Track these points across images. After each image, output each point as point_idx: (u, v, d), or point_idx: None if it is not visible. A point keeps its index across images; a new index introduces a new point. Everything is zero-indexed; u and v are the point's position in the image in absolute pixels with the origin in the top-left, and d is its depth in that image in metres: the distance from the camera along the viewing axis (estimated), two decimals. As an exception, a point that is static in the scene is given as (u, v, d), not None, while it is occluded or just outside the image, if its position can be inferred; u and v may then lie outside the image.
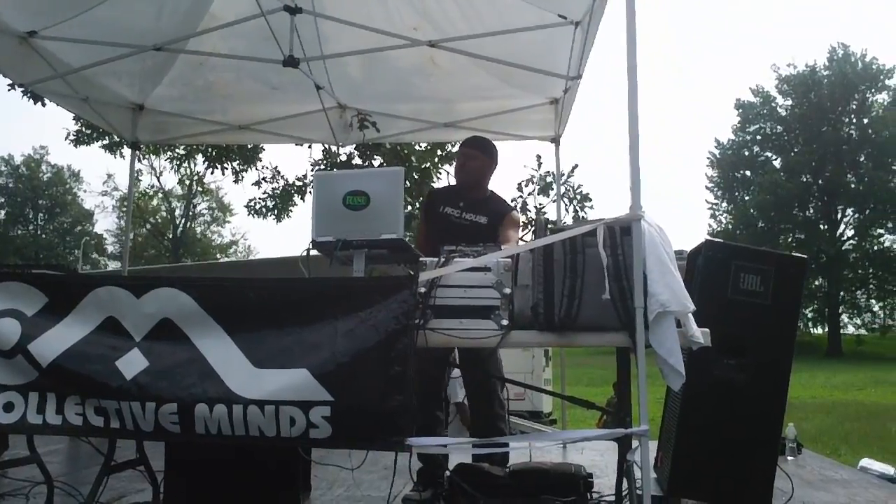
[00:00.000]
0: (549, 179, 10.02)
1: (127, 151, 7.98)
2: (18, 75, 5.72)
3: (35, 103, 10.29)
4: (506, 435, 4.36)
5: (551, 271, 3.08)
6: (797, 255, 4.31)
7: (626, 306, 3.00)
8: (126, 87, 6.35)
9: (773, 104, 51.25)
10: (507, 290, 3.09)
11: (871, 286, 49.26)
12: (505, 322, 3.06)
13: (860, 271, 49.02)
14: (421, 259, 3.25)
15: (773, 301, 3.99)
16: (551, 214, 9.83)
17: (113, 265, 51.11)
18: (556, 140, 6.70)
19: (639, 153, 3.08)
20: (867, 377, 26.43)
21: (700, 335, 3.02)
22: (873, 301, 50.04)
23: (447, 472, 3.63)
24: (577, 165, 10.96)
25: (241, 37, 5.68)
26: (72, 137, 13.07)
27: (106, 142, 12.89)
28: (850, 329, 50.55)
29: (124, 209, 46.04)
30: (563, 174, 9.05)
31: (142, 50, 5.47)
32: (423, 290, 3.04)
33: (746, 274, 4.00)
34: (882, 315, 50.88)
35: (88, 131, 12.75)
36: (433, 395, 4.17)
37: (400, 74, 6.25)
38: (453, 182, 4.56)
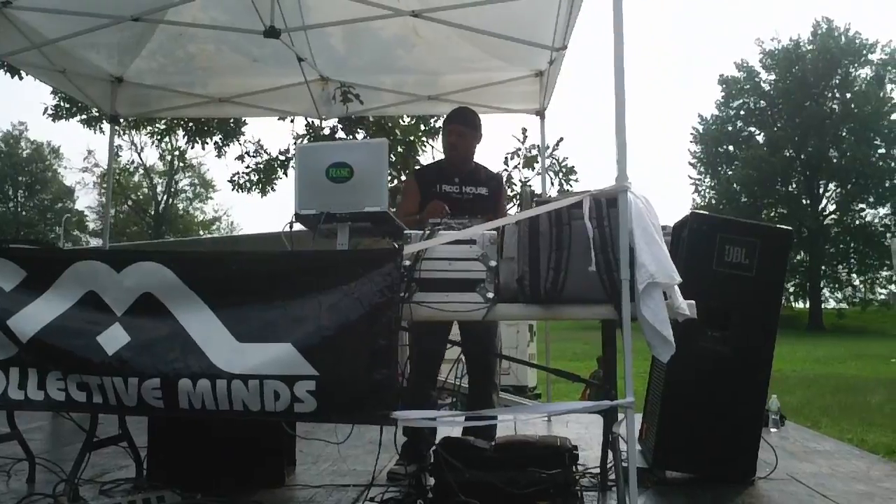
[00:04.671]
0: (534, 153, 9.95)
1: (107, 127, 7.86)
2: (-7, 46, 5.59)
3: (12, 76, 10.13)
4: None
5: (537, 244, 3.07)
6: (782, 227, 4.33)
7: (613, 278, 2.99)
8: (104, 59, 6.23)
9: (756, 79, 51.26)
10: (493, 263, 3.08)
11: (853, 260, 49.61)
12: (490, 295, 3.05)
13: (841, 246, 49.33)
14: (406, 232, 3.22)
15: (758, 273, 4.00)
16: (536, 188, 9.78)
17: (94, 242, 50.79)
18: (540, 113, 6.66)
19: (625, 124, 3.05)
20: (848, 350, 26.70)
21: (686, 307, 3.02)
22: (854, 275, 50.41)
23: (434, 447, 3.61)
24: (562, 139, 10.80)
25: (221, 7, 5.59)
26: (50, 112, 12.90)
27: (85, 117, 12.73)
28: (832, 303, 51.02)
29: (105, 186, 45.61)
30: (548, 147, 9.00)
31: (119, 20, 5.35)
32: (407, 263, 3.02)
33: (732, 246, 4.00)
34: (863, 289, 51.27)
35: (67, 105, 12.58)
36: (428, 373, 4.16)
37: (383, 46, 6.17)
38: (438, 157, 4.51)
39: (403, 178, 10.58)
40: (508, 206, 8.48)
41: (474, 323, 3.20)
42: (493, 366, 4.38)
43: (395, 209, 4.44)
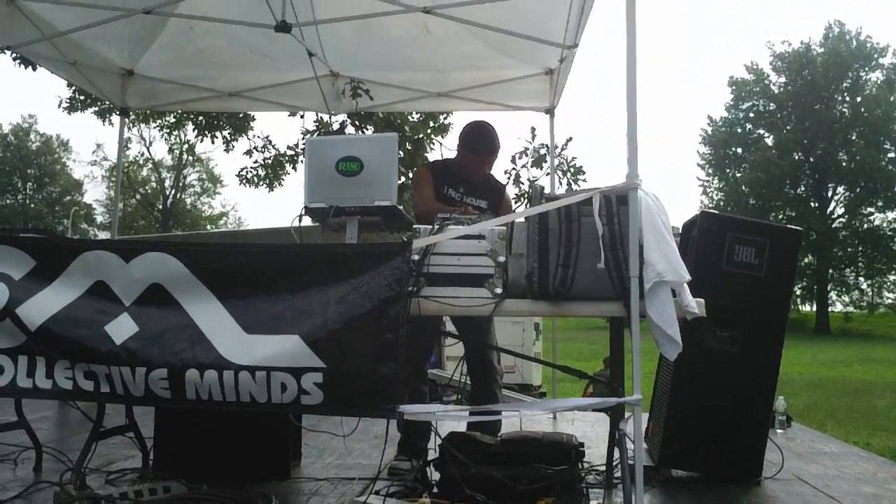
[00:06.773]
0: (542, 152, 9.92)
1: (117, 119, 7.90)
2: (4, 37, 5.60)
3: (26, 67, 10.18)
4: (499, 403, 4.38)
5: (546, 240, 3.06)
6: (792, 227, 4.31)
7: (622, 276, 2.99)
8: (115, 52, 6.24)
9: (766, 82, 51.14)
10: (502, 259, 3.07)
11: (860, 264, 49.48)
12: (499, 291, 3.04)
13: (849, 249, 49.22)
14: (414, 226, 3.22)
15: (768, 273, 3.99)
16: (545, 188, 9.71)
17: (102, 235, 50.96)
18: (550, 111, 6.65)
19: (636, 121, 3.03)
20: (854, 354, 26.62)
21: (695, 305, 3.01)
22: (862, 279, 50.29)
23: (438, 441, 3.61)
24: (571, 138, 10.80)
25: (232, 1, 5.59)
26: (65, 105, 12.97)
27: (98, 108, 12.80)
28: (839, 307, 50.89)
29: (114, 179, 45.71)
30: (556, 146, 8.97)
31: (130, 13, 5.35)
32: (416, 257, 3.02)
33: (741, 246, 3.99)
34: (870, 293, 51.15)
35: (82, 97, 12.64)
36: (416, 369, 4.14)
37: (393, 43, 6.16)
38: (447, 155, 4.50)
39: (412, 174, 10.56)
40: (516, 206, 8.46)
41: (467, 319, 3.19)
42: (490, 358, 4.37)
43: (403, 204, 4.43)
